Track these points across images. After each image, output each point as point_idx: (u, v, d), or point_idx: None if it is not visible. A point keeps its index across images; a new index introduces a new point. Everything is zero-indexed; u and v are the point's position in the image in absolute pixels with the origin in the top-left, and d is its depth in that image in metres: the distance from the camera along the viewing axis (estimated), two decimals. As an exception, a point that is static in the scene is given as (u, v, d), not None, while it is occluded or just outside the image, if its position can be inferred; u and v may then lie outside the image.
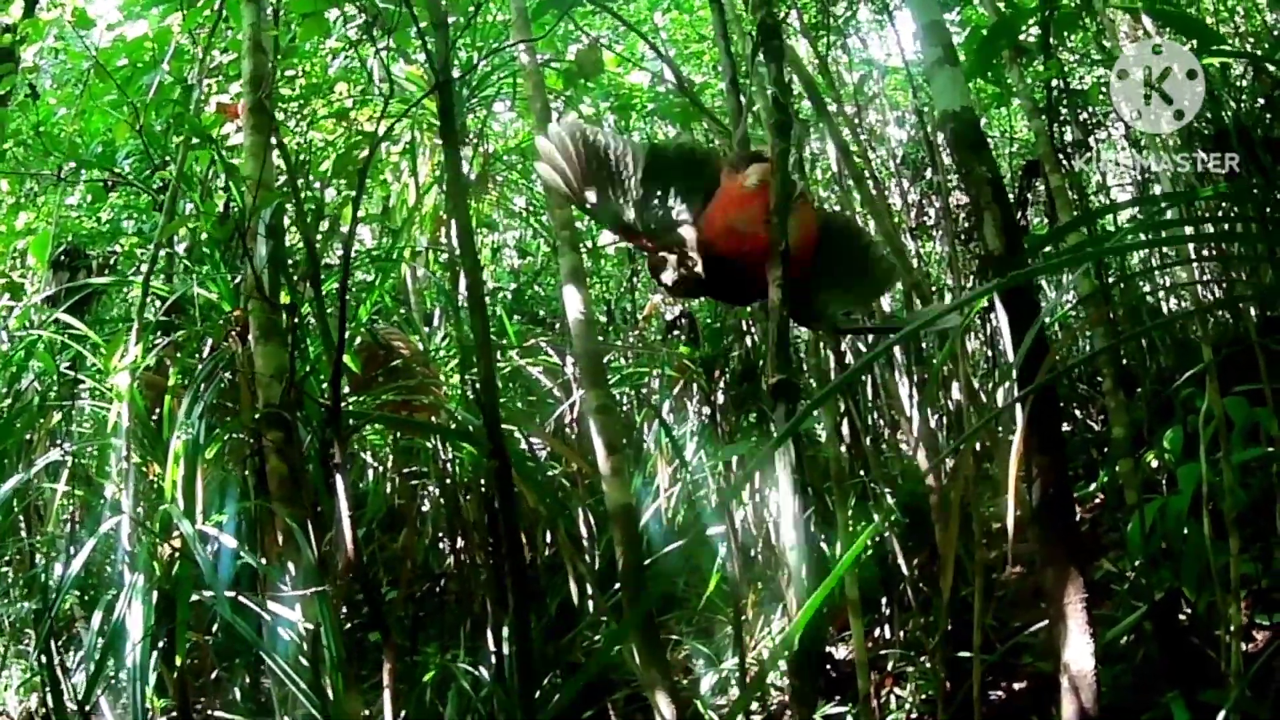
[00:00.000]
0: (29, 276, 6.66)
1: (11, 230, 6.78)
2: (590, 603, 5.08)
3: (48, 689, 3.57)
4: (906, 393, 5.73)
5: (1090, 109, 7.43)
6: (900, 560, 4.99)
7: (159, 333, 4.23)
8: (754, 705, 4.84)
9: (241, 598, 3.11)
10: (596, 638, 5.24)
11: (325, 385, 3.81)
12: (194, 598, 3.16)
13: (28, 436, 4.27)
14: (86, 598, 4.09)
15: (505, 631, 4.53)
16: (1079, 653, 2.26)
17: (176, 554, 3.21)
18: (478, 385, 3.25)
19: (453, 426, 4.68)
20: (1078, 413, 7.86)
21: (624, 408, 7.05)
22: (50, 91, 6.07)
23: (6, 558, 4.95)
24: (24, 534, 4.70)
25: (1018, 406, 2.27)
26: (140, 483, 3.47)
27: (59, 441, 4.45)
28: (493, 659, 4.55)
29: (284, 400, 3.32)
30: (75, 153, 5.22)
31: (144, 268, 5.43)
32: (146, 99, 4.69)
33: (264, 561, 3.30)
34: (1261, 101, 6.05)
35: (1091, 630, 2.28)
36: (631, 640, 3.61)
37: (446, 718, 4.34)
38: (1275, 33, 7.10)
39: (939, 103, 2.71)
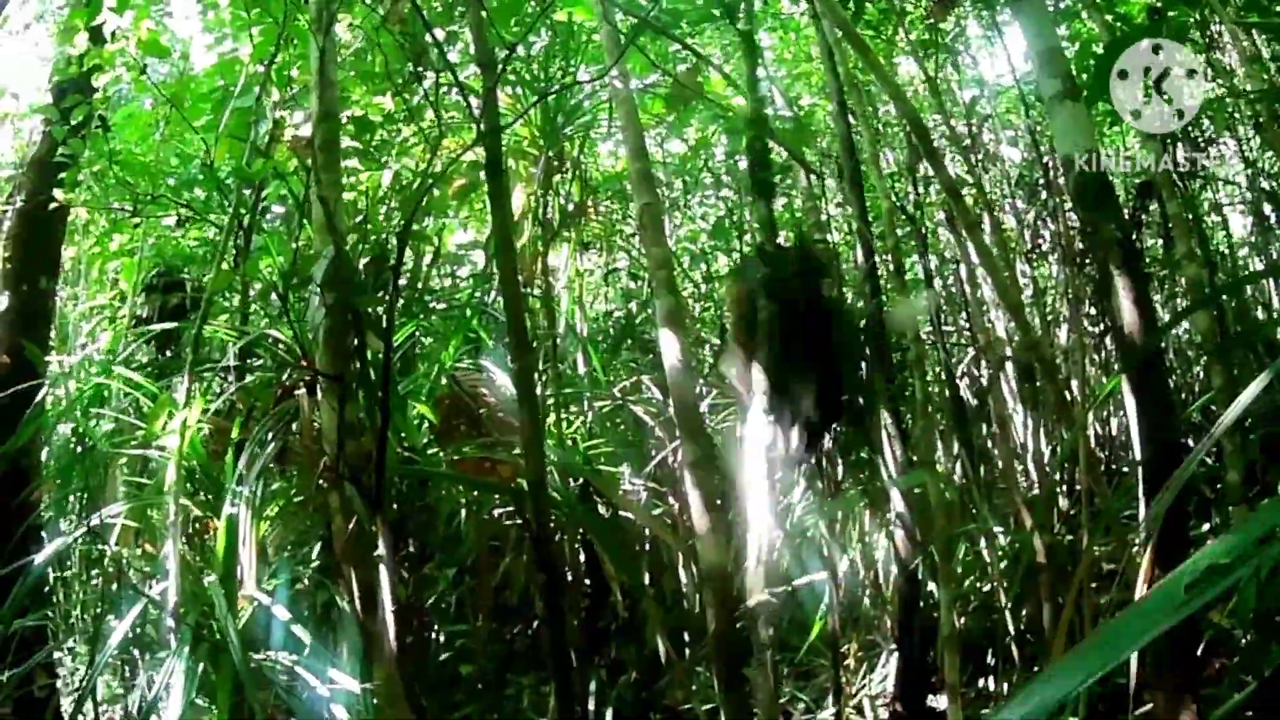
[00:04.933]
0: (125, 302, 6.62)
1: (106, 251, 6.76)
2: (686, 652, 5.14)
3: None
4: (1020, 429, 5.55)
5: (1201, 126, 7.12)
6: (1008, 614, 4.76)
7: (230, 376, 4.15)
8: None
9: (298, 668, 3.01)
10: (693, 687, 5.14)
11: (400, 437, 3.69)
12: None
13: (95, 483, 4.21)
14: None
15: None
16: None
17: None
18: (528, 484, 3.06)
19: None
20: (1190, 441, 7.53)
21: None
22: (121, 123, 6.00)
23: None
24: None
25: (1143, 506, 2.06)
26: (196, 540, 3.38)
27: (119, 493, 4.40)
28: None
29: (358, 459, 3.15)
30: (155, 182, 5.12)
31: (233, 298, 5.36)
32: (219, 131, 4.60)
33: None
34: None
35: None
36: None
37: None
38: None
39: (1061, 145, 2.51)
